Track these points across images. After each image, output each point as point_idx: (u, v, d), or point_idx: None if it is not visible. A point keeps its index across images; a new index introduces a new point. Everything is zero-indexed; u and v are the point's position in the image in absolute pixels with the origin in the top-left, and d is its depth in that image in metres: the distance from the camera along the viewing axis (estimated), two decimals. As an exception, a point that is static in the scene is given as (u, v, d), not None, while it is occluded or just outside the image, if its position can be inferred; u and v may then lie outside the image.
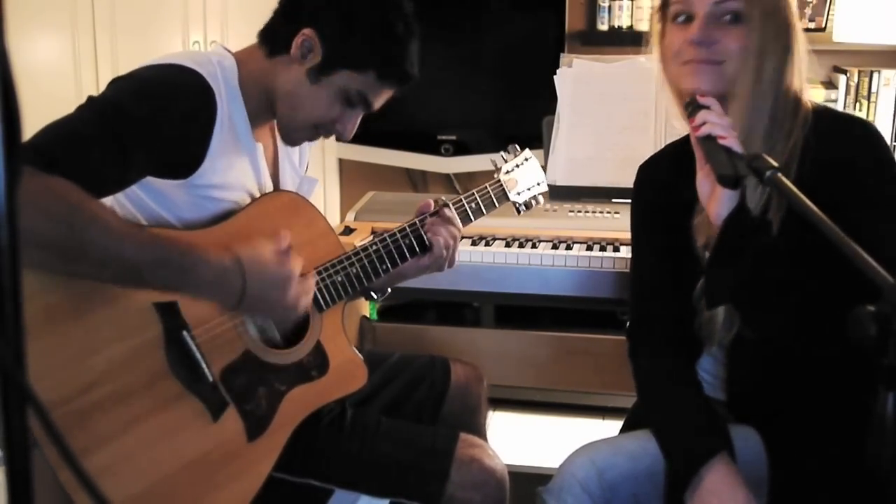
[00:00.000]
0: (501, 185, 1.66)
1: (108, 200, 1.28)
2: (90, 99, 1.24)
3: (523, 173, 1.70)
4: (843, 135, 1.34)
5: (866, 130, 1.35)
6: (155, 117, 1.24)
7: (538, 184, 1.73)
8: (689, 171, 1.30)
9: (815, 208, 0.99)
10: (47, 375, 1.17)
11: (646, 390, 1.44)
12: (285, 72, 1.38)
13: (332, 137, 1.45)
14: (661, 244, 1.45)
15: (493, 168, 1.71)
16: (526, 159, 1.72)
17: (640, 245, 1.52)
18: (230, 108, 1.35)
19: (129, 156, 1.21)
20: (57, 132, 1.17)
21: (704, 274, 1.30)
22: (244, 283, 1.23)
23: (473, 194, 1.61)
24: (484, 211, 1.62)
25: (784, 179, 1.05)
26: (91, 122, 1.19)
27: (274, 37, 1.39)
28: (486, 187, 1.63)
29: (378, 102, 1.41)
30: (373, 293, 1.62)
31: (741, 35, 1.30)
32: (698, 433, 1.31)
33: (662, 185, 1.48)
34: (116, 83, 1.28)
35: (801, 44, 1.34)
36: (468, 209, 1.59)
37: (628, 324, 1.51)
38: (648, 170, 1.54)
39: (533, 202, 1.71)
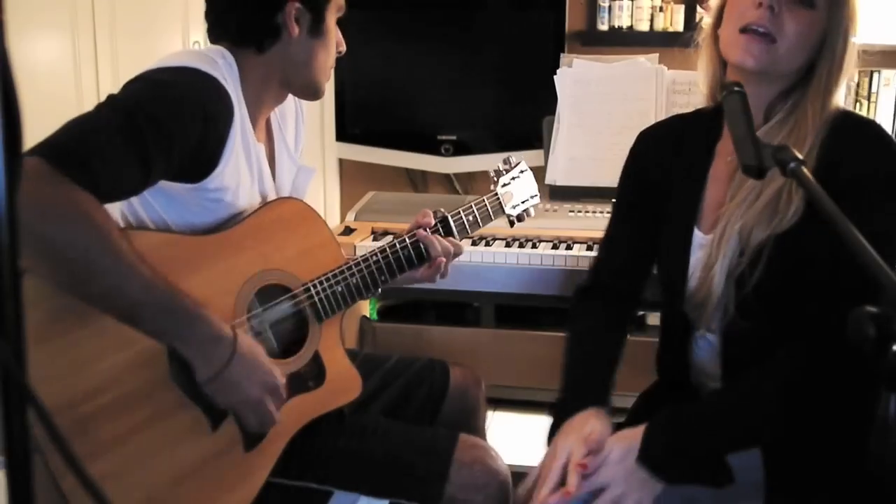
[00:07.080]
0: (499, 198, 1.68)
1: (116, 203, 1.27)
2: (112, 100, 1.21)
3: (518, 186, 1.72)
4: (854, 141, 1.31)
5: (879, 138, 1.31)
6: (180, 125, 1.22)
7: (532, 196, 1.75)
8: (691, 141, 1.29)
9: (832, 203, 0.97)
10: (52, 380, 1.16)
11: (570, 326, 1.53)
12: (290, 50, 1.38)
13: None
14: (643, 206, 1.50)
15: (491, 170, 1.72)
16: (521, 172, 1.73)
17: (620, 201, 1.56)
18: (240, 111, 1.34)
19: (151, 163, 1.19)
20: (81, 134, 1.15)
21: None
22: (229, 362, 1.22)
23: (471, 207, 1.62)
24: (480, 224, 1.63)
25: (806, 172, 1.04)
26: (116, 128, 1.17)
27: (257, 33, 1.37)
28: (483, 200, 1.64)
29: None
30: None
31: (805, 19, 1.29)
32: (581, 386, 1.43)
33: (662, 150, 1.50)
34: (136, 86, 1.25)
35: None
36: (465, 222, 1.60)
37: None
38: (651, 133, 1.56)
39: (525, 215, 1.74)
